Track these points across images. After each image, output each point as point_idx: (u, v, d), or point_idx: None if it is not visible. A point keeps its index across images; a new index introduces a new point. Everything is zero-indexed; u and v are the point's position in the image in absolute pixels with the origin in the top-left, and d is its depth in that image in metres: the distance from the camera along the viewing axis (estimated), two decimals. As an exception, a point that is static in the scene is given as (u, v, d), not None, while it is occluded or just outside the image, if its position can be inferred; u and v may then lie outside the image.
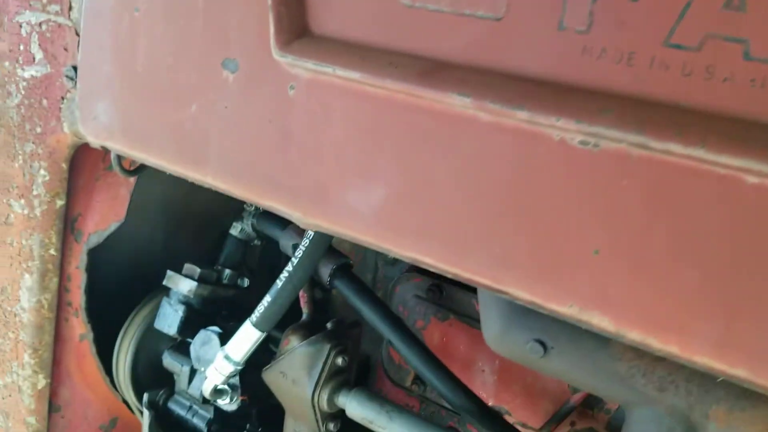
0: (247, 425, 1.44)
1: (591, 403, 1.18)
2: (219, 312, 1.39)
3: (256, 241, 1.47)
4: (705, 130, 0.65)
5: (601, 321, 0.73)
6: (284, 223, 1.35)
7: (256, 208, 1.40)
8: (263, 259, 1.58)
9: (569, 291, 0.75)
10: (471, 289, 1.30)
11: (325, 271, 1.23)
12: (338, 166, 0.90)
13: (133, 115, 1.12)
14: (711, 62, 0.65)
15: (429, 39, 0.82)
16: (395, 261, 1.42)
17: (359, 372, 1.50)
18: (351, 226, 0.91)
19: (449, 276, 0.84)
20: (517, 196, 0.76)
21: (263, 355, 1.28)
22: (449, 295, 1.31)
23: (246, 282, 1.45)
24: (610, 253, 0.71)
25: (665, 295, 0.69)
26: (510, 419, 1.30)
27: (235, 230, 1.44)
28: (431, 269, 0.85)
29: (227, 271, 1.42)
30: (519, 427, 1.28)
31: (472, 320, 1.29)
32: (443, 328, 1.32)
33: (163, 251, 1.47)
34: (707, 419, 0.81)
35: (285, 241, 1.31)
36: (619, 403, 0.89)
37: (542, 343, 0.91)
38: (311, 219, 0.95)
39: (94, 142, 1.20)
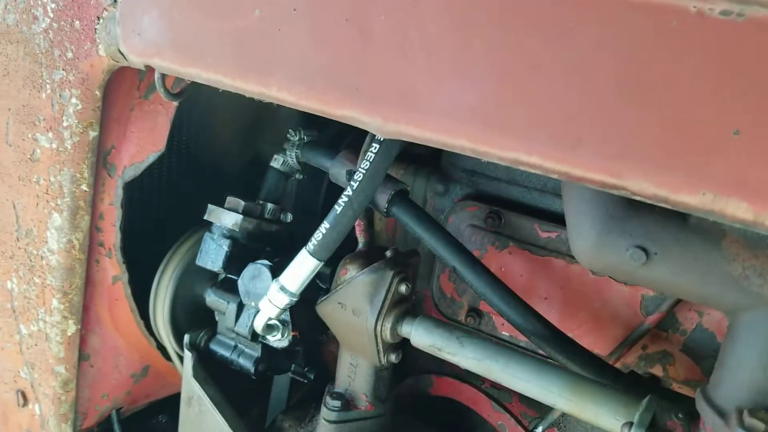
0: (292, 365, 1.39)
1: (665, 325, 1.15)
2: (263, 248, 1.32)
3: (297, 175, 1.40)
4: None
5: (737, 208, 0.68)
6: (331, 152, 1.28)
7: (300, 139, 1.33)
8: (298, 198, 1.52)
9: (702, 178, 0.70)
10: (532, 214, 1.26)
11: (383, 198, 1.17)
12: (428, 61, 0.84)
13: (185, 26, 1.05)
14: None
15: None
16: (446, 191, 1.36)
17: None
18: (442, 129, 0.85)
19: (556, 176, 0.79)
20: (643, 78, 0.71)
21: (309, 291, 1.22)
22: (508, 222, 1.26)
23: (289, 217, 1.39)
24: (754, 133, 0.66)
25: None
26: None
27: (276, 163, 1.37)
28: (534, 169, 0.80)
29: (270, 206, 1.35)
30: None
31: (534, 247, 1.24)
32: (501, 257, 1.27)
33: (201, 185, 1.39)
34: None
35: (336, 170, 1.24)
36: (725, 310, 0.85)
37: (644, 249, 0.86)
38: (393, 125, 0.89)
39: (138, 61, 1.12)
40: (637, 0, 0.70)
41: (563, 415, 1.29)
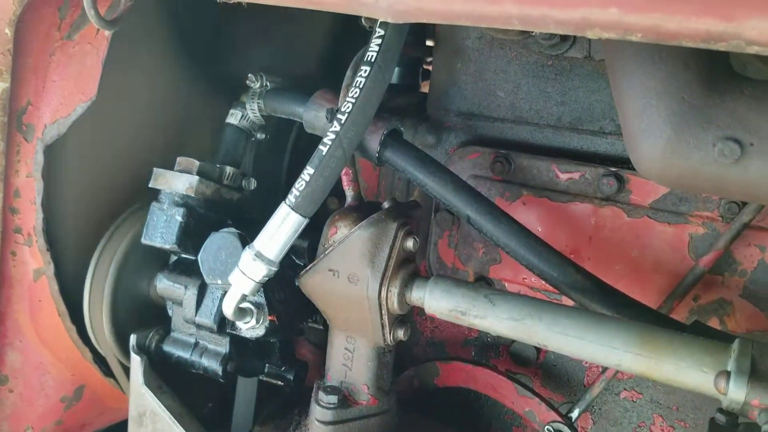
0: (266, 364, 1.13)
1: (720, 268, 0.96)
2: (224, 220, 1.08)
3: (259, 134, 1.17)
4: None
5: None
6: (302, 95, 1.07)
7: (262, 86, 1.11)
8: (256, 167, 1.27)
9: None
10: (547, 155, 1.06)
11: (374, 141, 0.96)
12: None
13: None
14: None
15: None
16: (438, 141, 1.16)
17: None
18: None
19: (639, 35, 0.60)
20: None
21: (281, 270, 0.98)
22: (519, 167, 1.06)
23: (253, 183, 1.15)
24: None
25: None
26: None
27: (233, 118, 1.13)
28: (609, 31, 0.60)
29: (229, 169, 1.11)
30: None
31: (553, 192, 1.04)
32: (514, 208, 1.07)
33: (145, 144, 1.13)
34: None
35: (312, 113, 1.03)
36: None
37: (737, 141, 0.67)
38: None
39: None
40: None
41: (598, 395, 1.08)
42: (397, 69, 1.38)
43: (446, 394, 1.19)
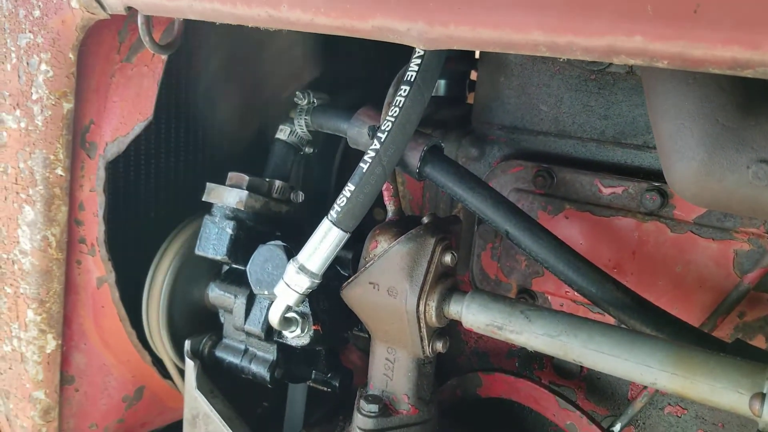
0: (313, 371, 1.17)
1: (766, 285, 0.95)
2: (273, 232, 1.12)
3: (307, 149, 1.21)
4: None
5: None
6: (347, 112, 1.10)
7: (309, 102, 1.15)
8: (305, 181, 1.32)
9: None
10: (590, 169, 1.07)
11: (414, 156, 0.98)
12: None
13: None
14: None
15: None
16: (481, 155, 1.17)
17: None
18: (506, 22, 0.67)
19: (665, 62, 0.60)
20: None
21: (328, 281, 1.01)
22: (562, 181, 1.06)
23: (301, 196, 1.19)
24: None
25: None
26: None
27: (283, 134, 1.18)
28: (635, 57, 0.61)
29: (278, 183, 1.15)
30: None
31: (596, 207, 1.04)
32: (556, 222, 1.08)
33: (199, 161, 1.19)
34: None
35: (356, 129, 1.06)
36: None
37: (774, 164, 0.67)
38: (442, 27, 0.71)
39: (117, 3, 0.94)
40: None
41: (642, 410, 1.08)
42: (443, 81, 1.40)
43: (490, 404, 1.20)
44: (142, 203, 1.19)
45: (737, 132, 0.69)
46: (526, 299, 1.13)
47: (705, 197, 0.73)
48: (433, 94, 1.49)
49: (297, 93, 1.15)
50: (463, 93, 1.44)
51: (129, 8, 0.94)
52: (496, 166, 1.14)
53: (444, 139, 1.21)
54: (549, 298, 1.13)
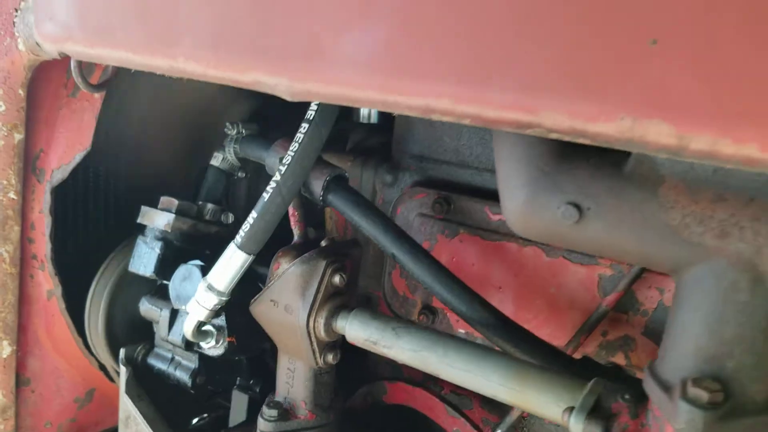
0: (238, 378, 1.29)
1: (624, 306, 1.04)
2: (202, 251, 1.24)
3: (239, 174, 1.33)
4: None
5: (659, 133, 0.60)
6: (269, 143, 1.21)
7: (238, 132, 1.26)
8: (250, 199, 1.44)
9: (619, 100, 0.61)
10: (484, 197, 1.17)
11: (318, 185, 1.09)
12: (330, 8, 0.78)
13: (92, 4, 0.99)
14: None
15: None
16: (395, 181, 1.28)
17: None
18: (350, 82, 0.78)
19: (468, 120, 0.71)
20: (545, -5, 0.64)
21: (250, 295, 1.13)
22: (458, 207, 1.17)
23: (231, 218, 1.31)
24: (673, 40, 0.58)
25: (741, 79, 0.56)
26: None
27: (216, 160, 1.30)
28: (446, 116, 0.72)
29: (209, 206, 1.27)
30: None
31: (485, 232, 1.15)
32: (452, 245, 1.18)
33: (138, 186, 1.32)
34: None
35: (272, 159, 1.17)
36: (668, 269, 0.76)
37: (577, 206, 0.77)
38: (301, 83, 0.82)
39: (53, 49, 1.07)
40: None
41: (527, 417, 1.18)
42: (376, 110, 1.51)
43: (405, 411, 1.31)
44: (87, 224, 1.31)
45: (552, 176, 0.80)
46: (427, 315, 1.24)
47: (530, 231, 0.83)
48: (367, 122, 1.61)
49: (227, 123, 1.27)
50: (392, 122, 1.55)
51: (62, 54, 1.07)
52: (405, 193, 1.25)
53: (365, 166, 1.32)
54: (447, 314, 1.23)
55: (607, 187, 0.76)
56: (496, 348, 0.98)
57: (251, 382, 1.28)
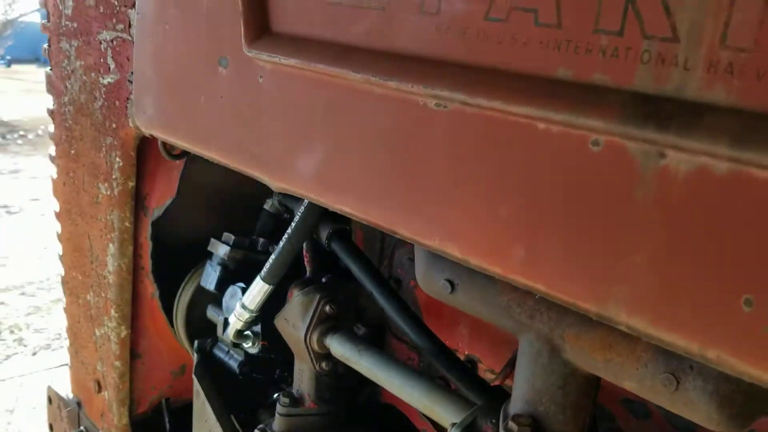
0: (277, 371, 1.69)
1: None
2: (252, 273, 1.65)
3: (286, 215, 1.72)
4: (508, 87, 0.81)
5: (453, 251, 0.90)
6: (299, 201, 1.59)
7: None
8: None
9: (436, 226, 0.92)
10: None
11: (324, 234, 1.45)
12: (289, 136, 1.13)
13: (166, 107, 1.42)
14: (514, 32, 0.81)
15: (343, 28, 1.02)
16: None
17: (375, 334, 1.71)
18: (302, 186, 1.13)
19: (361, 220, 1.04)
20: (397, 151, 0.95)
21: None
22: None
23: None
24: (466, 191, 0.88)
25: (492, 224, 0.85)
26: (482, 366, 1.45)
27: (267, 205, 1.70)
28: (349, 216, 1.05)
29: (261, 240, 1.68)
30: (488, 374, 1.43)
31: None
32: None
33: (212, 223, 1.76)
34: (564, 341, 0.94)
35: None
36: (511, 332, 1.03)
37: (450, 282, 1.07)
38: (278, 182, 1.18)
39: (145, 131, 1.52)
40: (389, 95, 0.94)
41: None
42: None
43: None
44: (175, 248, 1.78)
45: (437, 259, 1.10)
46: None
47: (428, 292, 1.14)
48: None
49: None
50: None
51: (151, 135, 1.52)
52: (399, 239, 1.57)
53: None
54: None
55: (467, 272, 1.05)
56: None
57: (285, 374, 1.68)
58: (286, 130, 1.14)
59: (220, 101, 1.26)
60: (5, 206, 7.89)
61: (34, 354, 4.74)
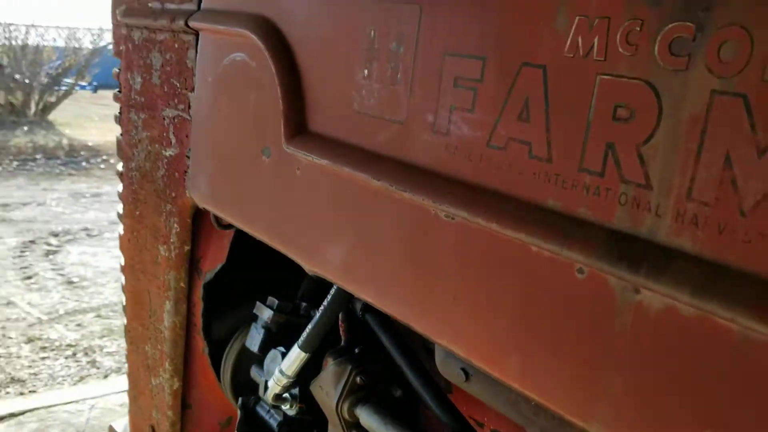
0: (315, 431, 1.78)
1: None
2: (294, 336, 1.75)
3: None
4: (504, 210, 0.88)
5: (459, 350, 0.97)
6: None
7: (323, 256, 1.76)
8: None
9: (442, 326, 0.99)
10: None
11: (358, 305, 1.54)
12: (320, 226, 1.23)
13: (216, 185, 1.55)
14: (511, 161, 0.88)
15: (368, 136, 1.12)
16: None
17: (411, 398, 1.77)
18: (330, 272, 1.23)
19: (381, 309, 1.12)
20: (411, 253, 1.03)
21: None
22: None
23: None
24: (471, 297, 0.95)
25: (493, 332, 0.92)
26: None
27: (310, 271, 1.80)
28: (371, 304, 1.14)
29: (303, 305, 1.78)
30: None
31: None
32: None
33: (259, 286, 1.88)
34: (564, 440, 0.99)
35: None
36: (520, 423, 1.09)
37: (465, 371, 1.14)
38: (311, 266, 1.28)
39: (199, 204, 1.65)
40: (403, 202, 1.03)
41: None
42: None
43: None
44: (225, 309, 1.90)
45: (455, 347, 1.17)
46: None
47: (447, 377, 1.20)
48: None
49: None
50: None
51: (203, 207, 1.65)
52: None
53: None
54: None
55: (481, 364, 1.12)
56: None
57: (323, 435, 1.77)
58: (317, 220, 1.24)
59: (263, 186, 1.38)
60: (86, 229, 8.32)
61: (106, 377, 4.96)
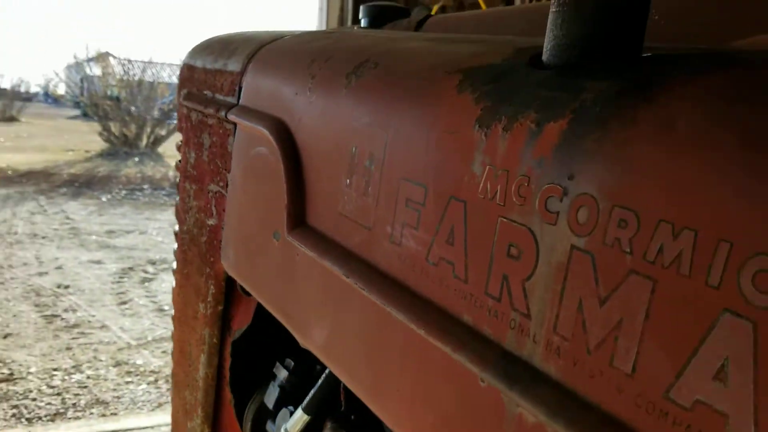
0: (320, 487, 1.92)
1: None
2: (305, 397, 1.91)
3: (340, 348, 1.98)
4: (434, 321, 1.02)
5: (400, 436, 1.11)
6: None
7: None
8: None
9: (399, 418, 1.13)
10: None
11: (358, 378, 1.69)
12: (310, 309, 1.40)
13: (239, 257, 1.76)
14: (441, 276, 1.03)
15: (347, 236, 1.29)
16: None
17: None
18: (317, 350, 1.39)
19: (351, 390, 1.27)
20: (371, 347, 1.18)
21: None
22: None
23: (329, 378, 1.97)
24: (415, 390, 1.09)
25: (420, 423, 1.05)
26: None
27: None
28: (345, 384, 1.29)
29: (318, 366, 1.95)
30: None
31: None
32: None
33: (281, 346, 2.06)
34: None
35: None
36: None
37: None
38: (303, 341, 1.46)
39: (228, 272, 1.86)
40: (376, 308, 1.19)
41: None
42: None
43: None
44: (250, 364, 2.09)
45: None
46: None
47: None
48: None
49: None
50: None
51: (233, 276, 1.86)
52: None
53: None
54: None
55: None
56: None
57: (326, 492, 1.91)
58: (309, 303, 1.41)
59: (273, 265, 1.57)
60: (163, 260, 8.82)
61: (182, 405, 5.23)
